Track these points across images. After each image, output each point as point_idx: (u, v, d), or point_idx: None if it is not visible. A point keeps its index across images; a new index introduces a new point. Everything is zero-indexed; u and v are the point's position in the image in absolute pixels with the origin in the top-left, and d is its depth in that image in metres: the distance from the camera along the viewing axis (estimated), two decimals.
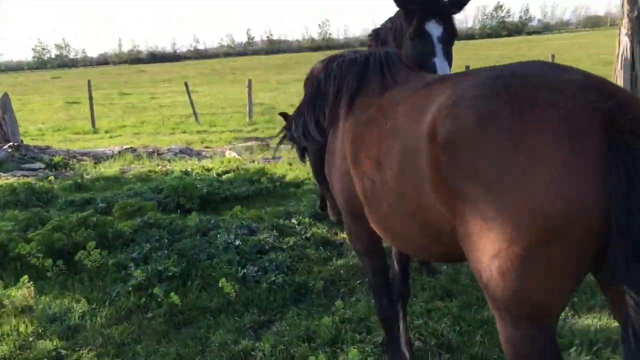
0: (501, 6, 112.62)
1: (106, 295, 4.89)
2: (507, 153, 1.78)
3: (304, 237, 5.86)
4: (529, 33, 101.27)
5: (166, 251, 5.43)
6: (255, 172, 8.60)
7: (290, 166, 9.53)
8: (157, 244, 5.64)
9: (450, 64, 3.72)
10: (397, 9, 3.99)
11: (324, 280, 4.86)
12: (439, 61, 3.62)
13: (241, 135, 13.29)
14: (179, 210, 7.14)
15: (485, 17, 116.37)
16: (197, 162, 10.27)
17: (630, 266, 1.69)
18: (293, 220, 6.39)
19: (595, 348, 3.56)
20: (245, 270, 4.98)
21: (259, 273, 4.99)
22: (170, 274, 5.02)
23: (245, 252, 5.34)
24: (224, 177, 8.71)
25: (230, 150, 10.91)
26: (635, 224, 1.66)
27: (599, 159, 1.68)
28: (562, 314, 4.03)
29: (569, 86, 1.81)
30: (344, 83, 3.11)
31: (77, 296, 4.93)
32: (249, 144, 11.46)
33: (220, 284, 4.73)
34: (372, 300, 4.40)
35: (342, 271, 5.04)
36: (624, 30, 9.35)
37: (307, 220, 6.36)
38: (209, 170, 9.31)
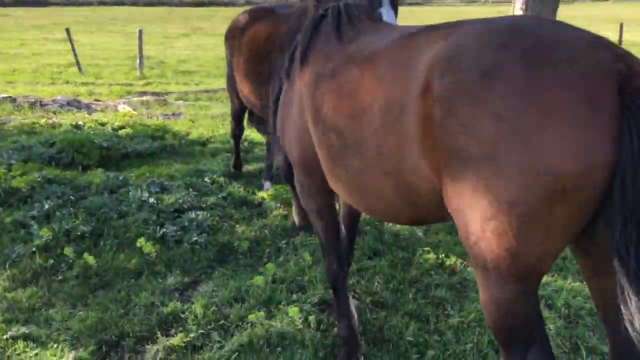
0: None
1: (5, 257, 4.42)
2: (517, 110, 1.70)
3: (220, 196, 5.63)
4: (411, 4, 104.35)
5: (72, 209, 5.00)
6: (156, 129, 8.14)
7: (193, 123, 9.14)
8: (60, 201, 5.18)
9: (396, 15, 3.66)
10: None
11: (248, 240, 4.72)
12: (386, 10, 3.52)
13: (133, 89, 12.48)
14: (80, 167, 6.60)
15: None
16: (87, 116, 9.53)
17: (626, 231, 1.68)
18: (206, 179, 6.13)
19: None
20: (165, 230, 4.70)
21: (179, 232, 4.74)
22: (79, 233, 4.64)
23: (162, 210, 5.04)
24: (121, 132, 8.14)
25: (124, 104, 10.21)
26: None
27: (613, 120, 1.65)
28: None
29: (581, 43, 1.76)
30: (301, 35, 2.96)
31: None
32: (144, 98, 10.78)
33: (138, 244, 4.45)
34: (302, 261, 4.35)
35: (266, 231, 4.91)
36: (518, 4, 9.83)
37: (221, 179, 6.13)
38: (103, 124, 8.64)
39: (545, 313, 3.60)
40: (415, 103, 2.02)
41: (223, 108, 10.21)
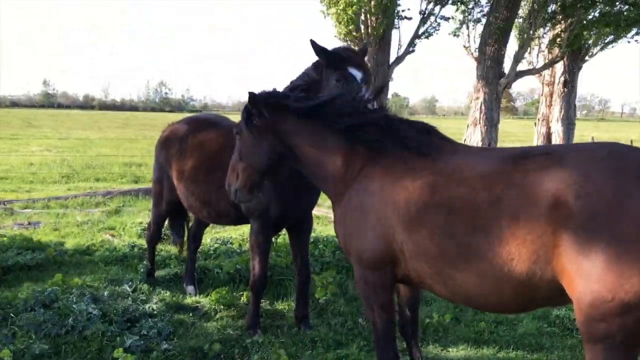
0: (164, 83, 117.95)
1: None
2: None
3: (154, 303, 5.56)
4: (191, 111, 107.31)
5: (14, 328, 4.60)
6: (26, 239, 7.53)
7: (58, 232, 8.60)
8: None
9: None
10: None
11: (219, 342, 4.80)
12: (365, 90, 4.23)
13: None
14: None
15: (149, 91, 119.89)
16: None
17: None
18: (126, 287, 5.97)
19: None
20: (130, 340, 4.58)
21: (142, 342, 4.65)
22: (37, 352, 4.31)
23: (115, 321, 4.87)
24: None
25: None
26: None
27: None
28: None
29: None
30: (391, 141, 3.35)
31: None
32: None
33: (115, 354, 4.29)
34: (278, 357, 4.58)
35: (230, 331, 5.04)
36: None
37: (144, 286, 6.02)
38: None
39: None
40: (547, 217, 2.60)
41: (85, 216, 9.76)
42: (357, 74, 4.40)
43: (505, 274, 2.75)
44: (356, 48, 4.98)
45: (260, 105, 3.67)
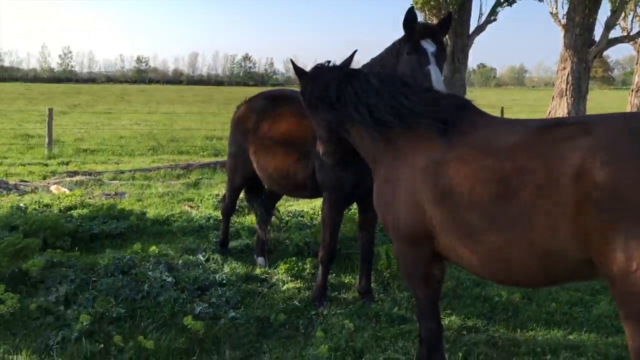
0: (249, 57, 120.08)
1: (42, 344, 4.25)
2: None
3: (224, 272, 5.76)
4: (273, 85, 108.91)
5: (93, 292, 4.91)
6: (110, 208, 7.98)
7: (141, 202, 9.05)
8: (73, 285, 5.05)
9: (441, 72, 4.37)
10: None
11: (284, 313, 4.92)
12: (433, 68, 4.25)
13: (55, 169, 11.95)
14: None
15: (234, 66, 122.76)
16: (19, 197, 9.07)
17: None
18: (200, 256, 6.22)
19: None
20: (200, 308, 4.79)
21: (210, 310, 4.84)
22: (114, 315, 4.59)
23: (186, 289, 5.11)
24: (74, 213, 7.90)
25: (55, 185, 9.81)
26: None
27: None
28: None
29: None
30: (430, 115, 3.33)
31: (5, 347, 4.19)
32: (76, 178, 10.43)
33: (185, 322, 4.49)
34: (344, 328, 4.64)
35: (296, 302, 5.16)
36: None
37: (217, 256, 6.26)
38: (48, 205, 8.32)
39: None
40: (570, 187, 2.53)
41: (166, 187, 10.22)
42: (429, 47, 4.38)
43: (529, 245, 2.71)
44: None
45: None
